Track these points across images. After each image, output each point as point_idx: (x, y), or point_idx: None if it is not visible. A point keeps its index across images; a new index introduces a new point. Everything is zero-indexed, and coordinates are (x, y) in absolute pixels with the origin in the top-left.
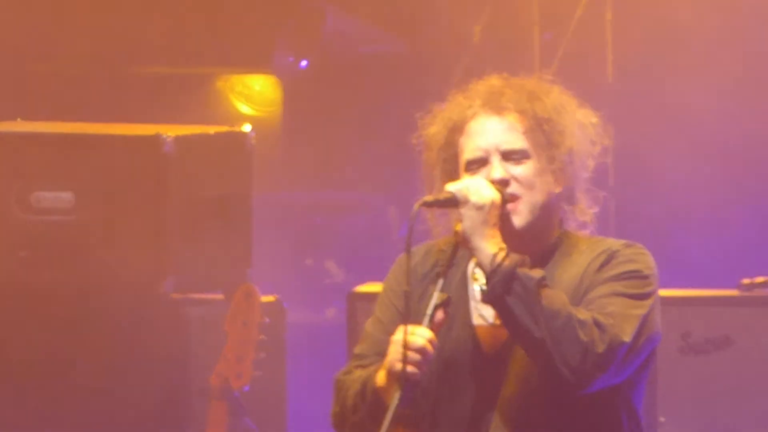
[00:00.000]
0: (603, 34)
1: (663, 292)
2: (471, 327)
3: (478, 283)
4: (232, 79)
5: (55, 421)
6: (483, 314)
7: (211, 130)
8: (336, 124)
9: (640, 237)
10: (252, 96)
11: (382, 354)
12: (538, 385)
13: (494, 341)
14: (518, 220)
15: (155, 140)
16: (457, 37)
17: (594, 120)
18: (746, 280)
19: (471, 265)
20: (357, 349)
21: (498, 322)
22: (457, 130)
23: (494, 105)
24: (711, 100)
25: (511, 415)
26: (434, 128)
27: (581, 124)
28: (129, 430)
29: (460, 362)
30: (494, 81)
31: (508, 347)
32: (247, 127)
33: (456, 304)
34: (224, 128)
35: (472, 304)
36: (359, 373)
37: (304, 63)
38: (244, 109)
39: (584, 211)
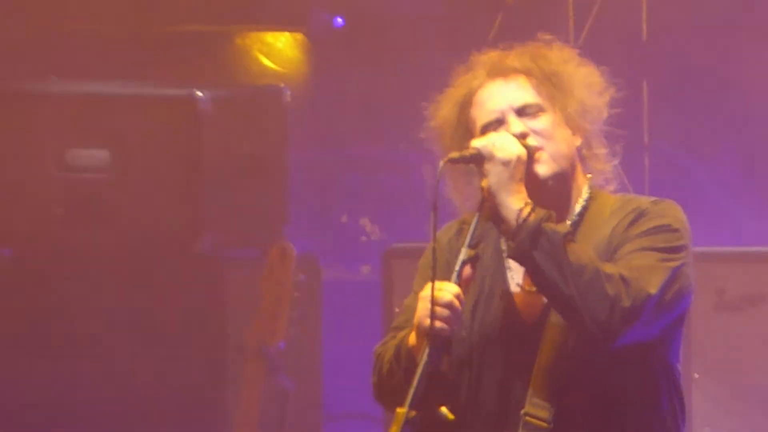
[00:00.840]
0: None
1: (698, 249)
2: (509, 295)
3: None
4: (252, 36)
5: (91, 379)
6: (519, 283)
7: (247, 87)
8: (369, 83)
9: (674, 193)
10: (273, 53)
11: None
12: (574, 350)
13: (532, 309)
14: (543, 168)
15: (190, 98)
16: None
17: (598, 72)
18: None
19: (502, 239)
20: (395, 323)
21: (533, 288)
22: (466, 104)
23: (499, 70)
24: (746, 59)
25: (546, 381)
26: (444, 110)
27: (587, 75)
28: (167, 387)
29: (501, 332)
30: (492, 52)
31: (545, 314)
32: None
33: (493, 275)
34: (260, 85)
35: (509, 273)
36: (394, 342)
37: (340, 21)
38: (268, 63)
39: (604, 162)
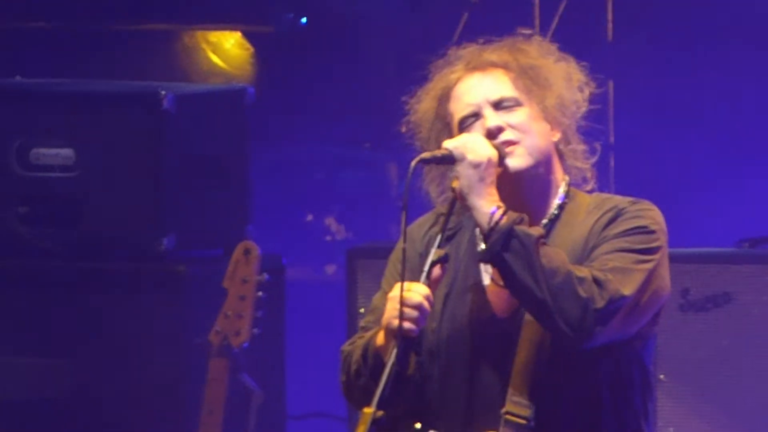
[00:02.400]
0: None
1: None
2: (482, 288)
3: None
4: (199, 35)
5: (51, 379)
6: (494, 278)
7: (210, 87)
8: (330, 80)
9: (639, 194)
10: (221, 52)
11: None
12: (551, 347)
13: (505, 303)
14: (517, 161)
15: (155, 97)
16: None
17: (577, 67)
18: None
19: (477, 229)
20: (362, 322)
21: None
22: (444, 98)
23: (476, 63)
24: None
25: (525, 378)
26: (422, 104)
27: (565, 70)
28: (130, 387)
29: (473, 326)
30: (471, 46)
31: (520, 310)
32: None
33: (467, 267)
34: (222, 86)
35: (483, 266)
36: (362, 342)
37: (303, 20)
38: (218, 61)
39: (581, 159)
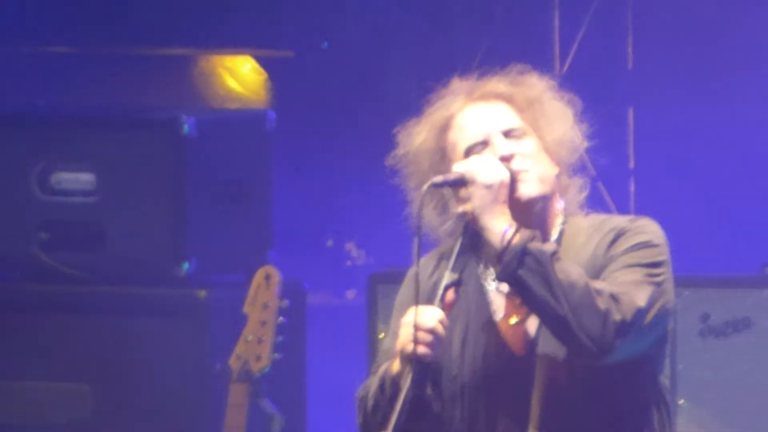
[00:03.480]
0: (624, 19)
1: (682, 274)
2: (495, 328)
3: (492, 280)
4: (214, 60)
5: (73, 403)
6: (502, 316)
7: (231, 112)
8: (349, 105)
9: (659, 218)
10: (238, 76)
11: None
12: (568, 378)
13: (521, 340)
14: (529, 188)
15: (176, 122)
16: (475, 21)
17: (575, 103)
18: None
19: (482, 267)
20: (374, 366)
21: (518, 319)
22: (444, 128)
23: (480, 94)
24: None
25: (546, 412)
26: (420, 136)
27: (564, 106)
28: (150, 413)
29: (492, 369)
30: (470, 78)
31: (532, 345)
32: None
33: (477, 310)
34: (244, 110)
35: (491, 306)
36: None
37: (325, 44)
38: (235, 85)
39: (579, 191)
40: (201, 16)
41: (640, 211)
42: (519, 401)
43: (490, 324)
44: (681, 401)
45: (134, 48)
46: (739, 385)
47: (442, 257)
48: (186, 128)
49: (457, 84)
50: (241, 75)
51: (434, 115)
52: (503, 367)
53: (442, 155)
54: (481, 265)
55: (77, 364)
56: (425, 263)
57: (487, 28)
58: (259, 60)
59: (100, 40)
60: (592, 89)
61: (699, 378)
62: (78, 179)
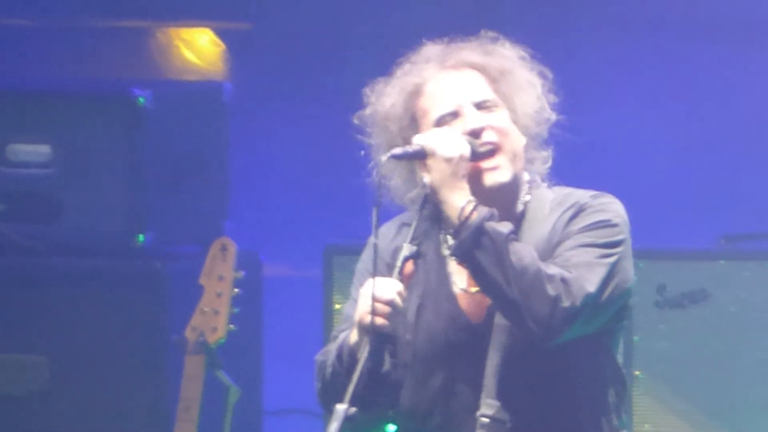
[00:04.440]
0: None
1: (639, 247)
2: (453, 297)
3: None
4: (171, 32)
5: (29, 373)
6: (461, 285)
7: (188, 84)
8: (313, 77)
9: (617, 191)
10: (195, 49)
11: None
12: (523, 348)
13: (477, 310)
14: (502, 175)
15: (132, 94)
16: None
17: (545, 74)
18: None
19: (443, 235)
20: (334, 332)
21: (476, 289)
22: (415, 94)
23: (452, 62)
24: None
25: (498, 380)
26: (389, 99)
27: (535, 76)
28: (107, 384)
29: (448, 334)
30: (442, 44)
31: (490, 315)
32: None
33: (436, 278)
34: (200, 82)
35: (451, 276)
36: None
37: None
38: (192, 57)
39: (543, 162)
40: None
41: (597, 181)
42: (473, 370)
43: (447, 292)
44: (637, 372)
45: (90, 20)
46: (695, 356)
47: (404, 224)
48: (142, 100)
49: (429, 49)
50: (198, 47)
51: (405, 79)
52: (458, 335)
53: (411, 120)
54: (442, 234)
55: (34, 336)
56: (386, 230)
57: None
58: (218, 32)
59: (54, 13)
60: None
61: (655, 349)
62: (34, 151)
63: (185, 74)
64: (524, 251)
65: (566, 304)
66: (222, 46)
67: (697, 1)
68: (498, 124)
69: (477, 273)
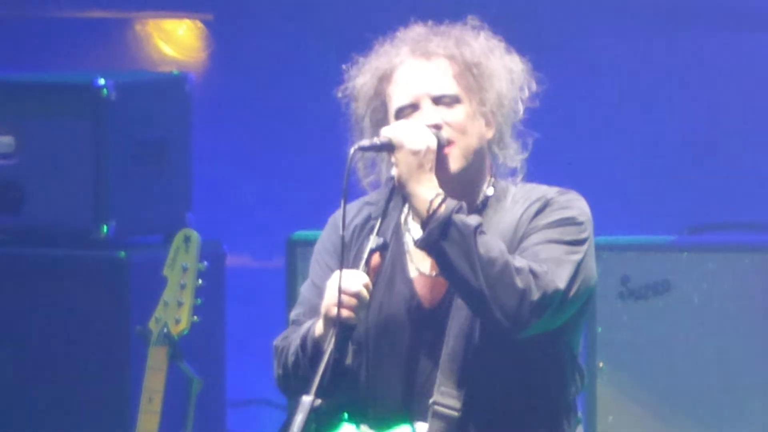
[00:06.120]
0: None
1: (602, 238)
2: (409, 279)
3: (411, 234)
4: (151, 23)
5: None
6: (419, 267)
7: (152, 75)
8: (273, 67)
9: (581, 181)
10: (174, 40)
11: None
12: (480, 336)
13: (433, 294)
14: (453, 163)
15: (96, 85)
16: None
17: (522, 65)
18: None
19: (403, 216)
20: (292, 315)
21: (435, 273)
22: (385, 79)
23: (422, 51)
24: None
25: (454, 367)
26: (362, 79)
27: (509, 68)
28: (70, 375)
29: (399, 317)
30: (419, 29)
31: (447, 299)
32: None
33: (393, 259)
34: (164, 73)
35: (407, 256)
36: (298, 334)
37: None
38: (168, 50)
39: (514, 157)
40: None
41: (560, 173)
42: (429, 353)
43: (403, 274)
44: (600, 364)
45: (55, 10)
46: (659, 347)
47: (367, 203)
48: (105, 91)
49: (408, 32)
50: (174, 38)
51: (377, 62)
52: (412, 318)
53: (381, 103)
54: (403, 216)
55: None
56: (348, 209)
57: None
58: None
59: (26, 3)
60: None
61: (618, 340)
62: None
63: (160, 66)
64: (492, 243)
65: (535, 297)
66: (199, 36)
67: None
68: (455, 120)
69: (444, 264)
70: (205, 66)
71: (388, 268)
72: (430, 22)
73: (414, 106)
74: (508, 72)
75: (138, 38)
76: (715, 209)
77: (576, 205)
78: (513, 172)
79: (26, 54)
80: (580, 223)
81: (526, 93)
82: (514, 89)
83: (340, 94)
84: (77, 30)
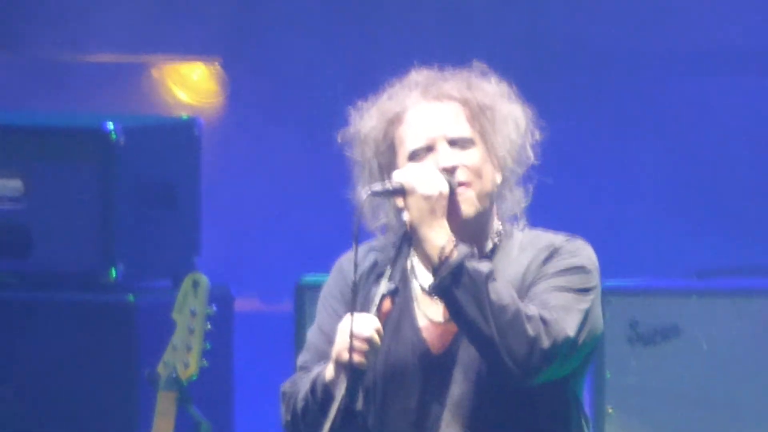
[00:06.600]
0: None
1: (611, 282)
2: (417, 328)
3: (418, 280)
4: (167, 68)
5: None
6: (427, 313)
7: (160, 119)
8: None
9: (589, 225)
10: (189, 85)
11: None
12: (487, 382)
13: (441, 340)
14: (467, 208)
15: (105, 129)
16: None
17: (529, 112)
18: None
19: (410, 262)
20: (300, 360)
21: (443, 319)
22: (395, 121)
23: (435, 93)
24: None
25: (461, 412)
26: (369, 122)
27: (518, 113)
28: (78, 419)
29: (407, 363)
30: (427, 72)
31: (455, 345)
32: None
33: (400, 306)
34: (172, 117)
35: (415, 303)
36: (307, 379)
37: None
38: (183, 96)
39: (518, 203)
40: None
41: (572, 215)
42: (435, 399)
43: (411, 321)
44: (609, 409)
45: (70, 55)
46: (668, 392)
47: (372, 249)
48: (114, 135)
49: (416, 76)
50: (189, 82)
51: (387, 104)
52: (419, 364)
53: (389, 146)
54: (410, 261)
55: (4, 370)
56: (351, 257)
57: (416, 36)
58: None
59: (35, 47)
60: None
61: (627, 385)
62: (5, 185)
63: (176, 109)
64: (504, 291)
65: (545, 344)
66: (215, 80)
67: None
68: (470, 162)
69: (455, 311)
70: (218, 109)
71: (395, 314)
72: (436, 66)
73: (429, 149)
74: (516, 117)
75: (153, 83)
76: (725, 254)
77: (584, 253)
78: (514, 218)
79: (40, 97)
80: (588, 272)
81: (533, 138)
82: (522, 134)
83: (340, 139)
84: (91, 74)
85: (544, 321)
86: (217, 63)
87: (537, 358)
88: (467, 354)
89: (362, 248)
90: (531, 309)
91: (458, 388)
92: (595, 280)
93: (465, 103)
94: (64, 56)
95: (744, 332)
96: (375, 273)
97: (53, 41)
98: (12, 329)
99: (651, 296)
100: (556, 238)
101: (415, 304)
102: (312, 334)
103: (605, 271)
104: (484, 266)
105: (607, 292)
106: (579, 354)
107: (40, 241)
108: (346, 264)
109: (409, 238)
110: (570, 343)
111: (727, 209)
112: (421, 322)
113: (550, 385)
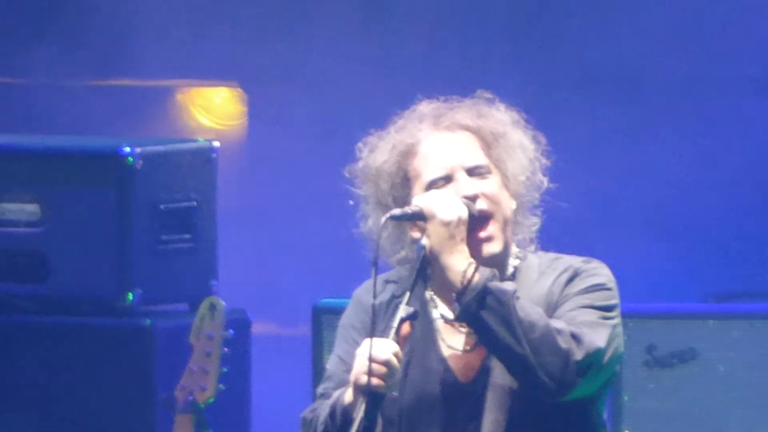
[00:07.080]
0: None
1: (628, 305)
2: (442, 359)
3: (439, 310)
4: (191, 92)
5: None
6: (450, 343)
7: (177, 143)
8: (304, 136)
9: (604, 248)
10: (212, 109)
11: None
12: (521, 407)
13: (467, 369)
14: (495, 246)
15: (121, 154)
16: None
17: (537, 138)
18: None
19: (428, 293)
20: (320, 389)
21: (468, 348)
22: (408, 153)
23: (446, 124)
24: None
25: None
26: (380, 156)
27: (526, 141)
28: None
29: (434, 395)
30: (435, 104)
31: (484, 373)
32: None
33: (423, 336)
34: (189, 141)
35: (438, 334)
36: (326, 404)
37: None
38: (205, 121)
39: (531, 228)
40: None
41: (588, 239)
42: (467, 428)
43: (436, 351)
44: None
45: (84, 79)
46: (685, 415)
47: (389, 281)
48: (130, 159)
49: (424, 108)
50: (212, 106)
51: (399, 137)
52: (446, 395)
53: (403, 179)
54: (428, 293)
55: (22, 395)
56: (370, 286)
57: (435, 61)
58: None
59: (49, 72)
60: None
61: (644, 409)
62: (22, 209)
63: (200, 134)
64: (531, 308)
65: (579, 356)
66: (239, 104)
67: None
68: (490, 191)
69: (484, 334)
70: (240, 134)
71: (419, 345)
72: (441, 98)
73: (447, 179)
74: (527, 144)
75: (175, 107)
76: (741, 277)
77: (603, 273)
78: (526, 241)
79: (58, 121)
80: (610, 289)
81: (544, 164)
82: (533, 161)
83: (348, 174)
84: (110, 97)
85: (573, 335)
86: (239, 87)
87: (571, 372)
88: (498, 380)
89: (379, 280)
90: (559, 324)
91: (491, 414)
92: (616, 298)
93: (477, 131)
94: (90, 80)
95: (760, 355)
96: (393, 305)
97: (75, 67)
98: (29, 353)
99: (668, 320)
100: (574, 260)
101: (438, 335)
102: (332, 364)
103: (622, 295)
104: (508, 285)
105: (624, 316)
106: (609, 368)
107: (57, 266)
108: (364, 295)
109: (425, 265)
110: (602, 354)
111: (743, 232)
112: (446, 352)
113: (580, 407)
